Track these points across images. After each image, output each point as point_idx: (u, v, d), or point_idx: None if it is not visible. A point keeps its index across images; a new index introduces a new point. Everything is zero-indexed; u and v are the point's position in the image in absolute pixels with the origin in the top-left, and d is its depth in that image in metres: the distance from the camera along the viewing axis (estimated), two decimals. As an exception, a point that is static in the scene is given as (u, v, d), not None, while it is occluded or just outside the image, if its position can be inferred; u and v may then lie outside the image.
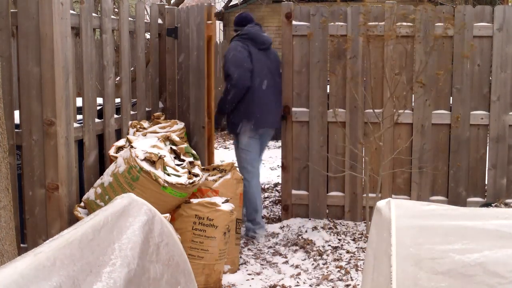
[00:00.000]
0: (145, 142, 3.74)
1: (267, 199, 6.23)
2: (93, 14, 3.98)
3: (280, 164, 5.50)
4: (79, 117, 3.92)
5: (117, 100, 4.41)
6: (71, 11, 3.72)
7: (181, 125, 4.49)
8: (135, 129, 4.31)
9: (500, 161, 5.11)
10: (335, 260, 4.36)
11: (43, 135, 3.56)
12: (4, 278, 1.35)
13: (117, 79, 4.88)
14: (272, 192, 6.50)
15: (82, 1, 3.84)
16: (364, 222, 5.12)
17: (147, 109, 4.80)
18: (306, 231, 4.93)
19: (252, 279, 4.08)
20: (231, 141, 10.43)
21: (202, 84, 4.72)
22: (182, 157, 3.81)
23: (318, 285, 3.96)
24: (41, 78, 3.52)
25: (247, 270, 4.22)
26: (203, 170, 4.09)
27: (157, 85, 4.94)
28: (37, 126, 3.56)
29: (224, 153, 8.87)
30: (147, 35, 4.97)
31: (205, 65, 4.70)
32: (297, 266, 4.26)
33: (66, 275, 1.49)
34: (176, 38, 4.96)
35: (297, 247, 4.62)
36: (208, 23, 4.71)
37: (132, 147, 3.60)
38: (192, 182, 3.61)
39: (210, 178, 4.14)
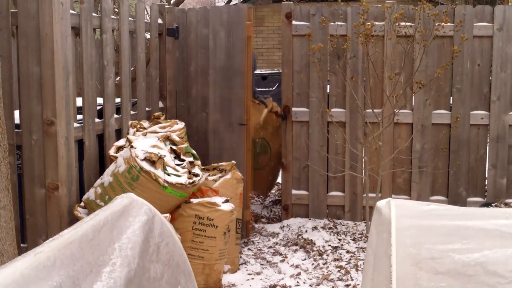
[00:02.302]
0: (145, 142, 3.74)
1: (267, 198, 6.23)
2: (93, 14, 3.98)
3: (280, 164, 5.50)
4: (79, 117, 3.92)
5: (117, 100, 4.41)
6: (71, 11, 3.72)
7: (181, 125, 4.49)
8: (135, 129, 4.30)
9: (500, 161, 5.11)
10: (335, 260, 4.36)
11: (43, 135, 3.56)
12: (4, 278, 1.35)
13: (117, 79, 4.88)
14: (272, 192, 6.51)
15: (82, 1, 3.84)
16: (364, 222, 5.12)
17: (147, 109, 4.80)
18: (306, 231, 4.93)
19: (252, 279, 4.08)
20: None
21: (239, 83, 4.78)
22: (182, 157, 3.81)
23: (318, 285, 3.96)
24: (41, 78, 3.52)
25: (247, 270, 4.22)
26: (203, 170, 4.09)
27: (157, 85, 4.94)
28: (37, 126, 3.56)
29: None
30: (147, 35, 4.97)
31: (245, 65, 4.78)
32: (297, 266, 4.27)
33: (66, 275, 1.49)
34: (177, 38, 4.97)
35: (297, 247, 4.62)
36: (248, 24, 4.80)
37: (132, 147, 3.60)
38: (192, 182, 3.61)
39: (210, 178, 4.14)
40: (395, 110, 4.81)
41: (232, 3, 12.52)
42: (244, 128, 4.77)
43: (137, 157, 3.50)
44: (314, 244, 4.65)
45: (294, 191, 5.30)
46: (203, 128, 4.88)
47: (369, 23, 4.68)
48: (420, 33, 4.78)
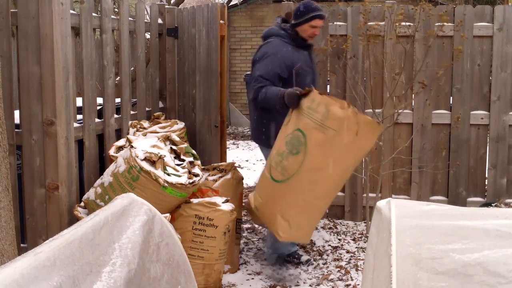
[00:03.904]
0: (145, 142, 3.74)
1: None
2: (93, 14, 3.98)
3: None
4: (79, 117, 3.92)
5: (117, 100, 4.41)
6: (71, 11, 3.73)
7: (181, 125, 4.49)
8: (135, 129, 4.31)
9: (500, 161, 5.11)
10: (335, 260, 4.36)
11: (43, 135, 3.56)
12: (4, 278, 1.35)
13: (117, 79, 4.88)
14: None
15: (82, 1, 3.84)
16: (364, 222, 5.12)
17: (147, 109, 4.80)
18: (306, 231, 4.93)
19: (252, 279, 4.08)
20: (231, 141, 10.41)
21: (215, 84, 4.74)
22: (182, 157, 3.81)
23: (318, 285, 3.96)
24: (41, 78, 3.52)
25: (247, 270, 4.22)
26: (203, 170, 4.09)
27: (157, 85, 4.94)
28: (37, 126, 3.57)
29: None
30: (147, 35, 4.97)
31: (218, 65, 4.73)
32: (297, 266, 4.26)
33: (66, 275, 1.49)
34: (177, 38, 4.97)
35: (297, 247, 4.62)
36: (221, 23, 4.73)
37: (132, 147, 3.60)
38: (192, 182, 3.61)
39: (210, 178, 4.14)
40: (395, 110, 4.80)
41: (232, 3, 12.50)
42: (217, 130, 4.75)
43: (137, 157, 3.50)
44: (314, 244, 4.65)
45: (294, 191, 5.29)
46: (192, 128, 4.88)
47: (373, 23, 4.67)
48: (420, 33, 4.78)
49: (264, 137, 4.10)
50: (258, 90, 3.92)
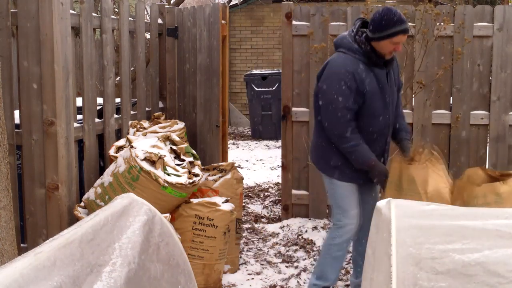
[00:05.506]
0: (145, 142, 3.74)
1: (267, 198, 6.23)
2: (93, 14, 3.98)
3: (280, 164, 5.49)
4: (79, 117, 3.92)
5: (117, 100, 4.41)
6: (71, 11, 3.73)
7: (181, 125, 4.49)
8: (135, 129, 4.31)
9: (500, 161, 5.10)
10: (335, 260, 4.35)
11: (43, 135, 3.56)
12: (4, 278, 1.35)
13: (117, 79, 4.88)
14: (272, 192, 6.51)
15: (82, 1, 3.84)
16: (364, 222, 5.11)
17: (147, 109, 4.80)
18: (306, 231, 4.93)
19: (252, 279, 4.08)
20: (231, 141, 10.41)
21: (216, 83, 4.75)
22: (182, 157, 3.81)
23: (318, 285, 3.95)
24: (41, 78, 3.52)
25: (247, 270, 4.22)
26: (203, 170, 4.09)
27: (157, 85, 4.94)
28: (37, 126, 3.57)
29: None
30: (147, 35, 4.97)
31: (220, 64, 4.74)
32: (297, 266, 4.26)
33: (67, 275, 1.49)
34: (177, 38, 4.97)
35: (297, 247, 4.62)
36: (223, 23, 4.73)
37: (132, 147, 3.60)
38: (192, 182, 3.61)
39: (210, 178, 4.14)
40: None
41: (232, 3, 12.50)
42: (218, 130, 4.76)
43: (137, 157, 3.50)
44: (314, 244, 4.65)
45: (294, 191, 5.30)
46: (193, 128, 4.89)
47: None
48: (421, 33, 4.78)
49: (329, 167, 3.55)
50: (347, 128, 3.36)
